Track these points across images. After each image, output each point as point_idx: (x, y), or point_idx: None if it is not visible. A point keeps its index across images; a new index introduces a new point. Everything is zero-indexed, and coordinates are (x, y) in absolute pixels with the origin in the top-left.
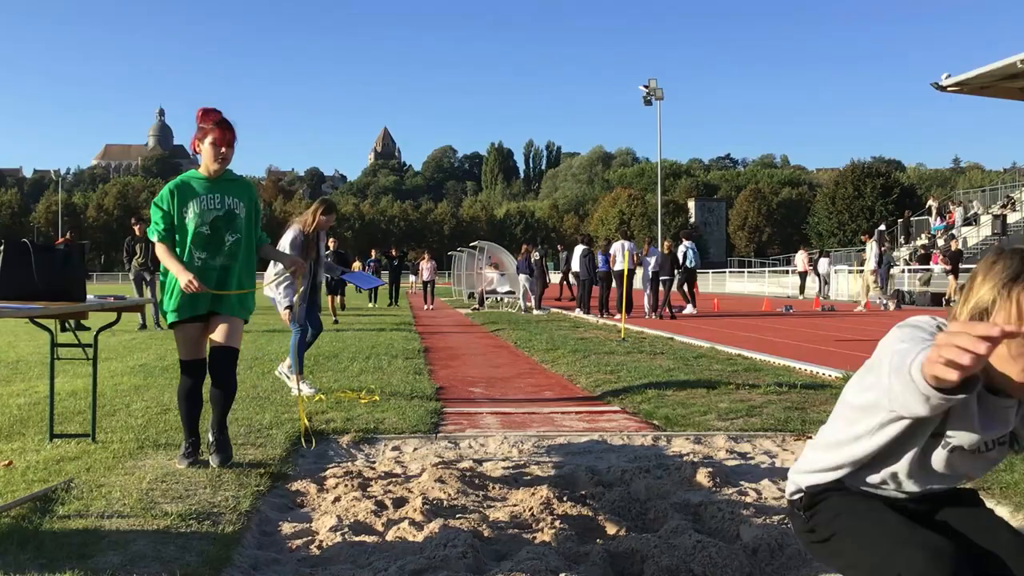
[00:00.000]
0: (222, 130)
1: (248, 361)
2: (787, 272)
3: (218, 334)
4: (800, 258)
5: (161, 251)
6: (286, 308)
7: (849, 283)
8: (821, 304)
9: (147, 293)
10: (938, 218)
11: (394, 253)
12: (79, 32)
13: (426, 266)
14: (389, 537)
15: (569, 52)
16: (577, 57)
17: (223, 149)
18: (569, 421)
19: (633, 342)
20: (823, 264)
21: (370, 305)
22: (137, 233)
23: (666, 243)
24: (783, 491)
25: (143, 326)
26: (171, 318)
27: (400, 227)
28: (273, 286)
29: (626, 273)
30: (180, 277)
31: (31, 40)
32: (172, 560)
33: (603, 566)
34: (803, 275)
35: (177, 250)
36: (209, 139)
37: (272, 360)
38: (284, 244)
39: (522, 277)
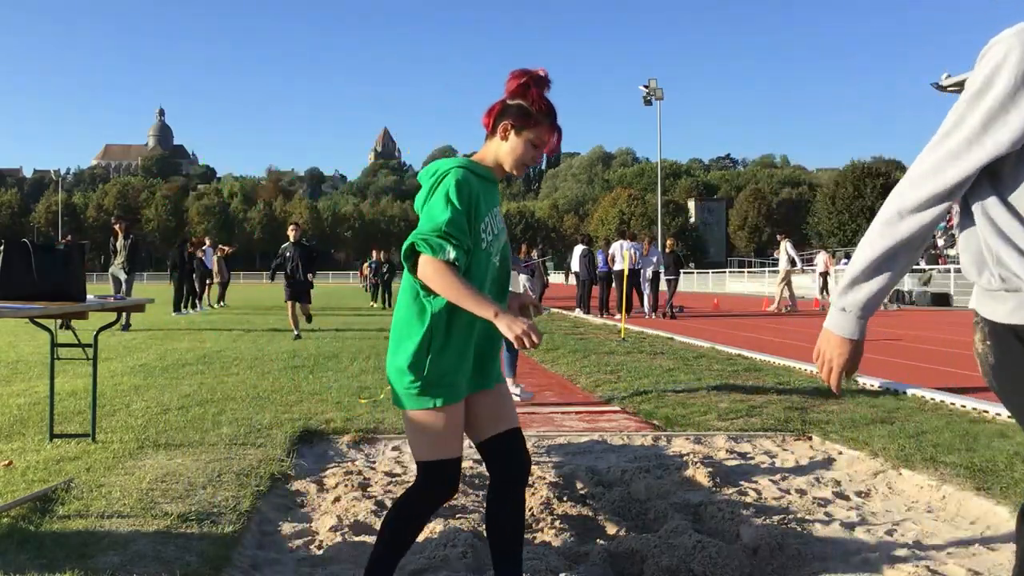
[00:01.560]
0: (555, 133)
1: (248, 361)
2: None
3: (504, 412)
4: (821, 259)
5: (447, 278)
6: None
7: None
8: (821, 304)
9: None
10: None
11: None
12: (79, 31)
13: None
14: None
15: (569, 52)
16: (577, 57)
17: (543, 158)
18: (569, 421)
19: (633, 342)
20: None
21: (372, 304)
22: (119, 232)
23: (669, 242)
24: (783, 491)
25: (126, 326)
26: (442, 399)
27: (400, 227)
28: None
29: (626, 273)
30: (499, 324)
31: (31, 40)
32: (172, 560)
33: (603, 566)
34: (824, 275)
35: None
36: (533, 135)
37: (272, 360)
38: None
39: (522, 277)
